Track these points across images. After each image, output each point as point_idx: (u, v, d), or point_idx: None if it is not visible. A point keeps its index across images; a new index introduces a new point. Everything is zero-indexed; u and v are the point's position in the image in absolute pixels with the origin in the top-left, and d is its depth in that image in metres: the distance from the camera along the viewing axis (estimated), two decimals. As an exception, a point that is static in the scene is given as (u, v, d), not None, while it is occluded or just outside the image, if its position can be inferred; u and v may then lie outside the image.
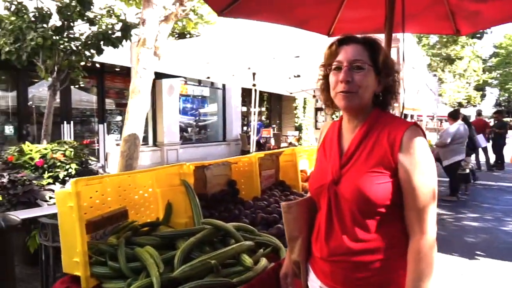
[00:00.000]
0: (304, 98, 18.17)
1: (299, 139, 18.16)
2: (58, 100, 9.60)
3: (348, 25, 3.36)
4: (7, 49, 5.49)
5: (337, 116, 1.68)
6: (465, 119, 9.29)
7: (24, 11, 5.49)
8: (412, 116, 19.00)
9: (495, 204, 7.88)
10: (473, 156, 10.61)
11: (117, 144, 8.16)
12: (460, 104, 32.36)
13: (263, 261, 1.88)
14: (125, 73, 10.82)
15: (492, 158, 13.12)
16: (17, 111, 9.18)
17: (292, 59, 5.44)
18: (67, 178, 4.21)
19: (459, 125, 8.08)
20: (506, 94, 44.14)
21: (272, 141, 16.49)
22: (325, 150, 1.53)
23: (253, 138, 8.19)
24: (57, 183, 4.06)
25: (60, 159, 4.34)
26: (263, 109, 19.74)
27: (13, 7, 5.51)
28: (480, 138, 10.34)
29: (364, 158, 1.36)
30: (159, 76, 10.97)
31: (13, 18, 5.45)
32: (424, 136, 1.34)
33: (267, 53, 5.56)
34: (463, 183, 8.74)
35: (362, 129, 1.41)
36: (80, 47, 5.75)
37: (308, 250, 1.54)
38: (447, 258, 4.80)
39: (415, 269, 1.27)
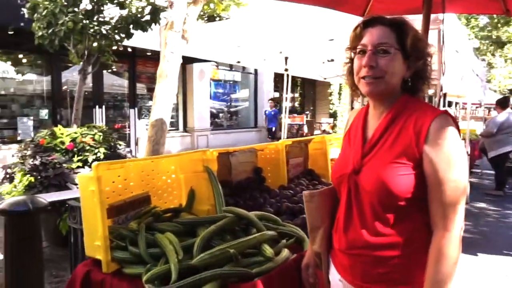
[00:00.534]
0: (340, 84, 17.89)
1: (333, 127, 17.96)
2: (90, 84, 9.89)
3: (383, 5, 3.27)
4: (40, 33, 5.66)
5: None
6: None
7: (57, -5, 5.64)
8: (456, 104, 18.39)
9: (545, 200, 7.55)
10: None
11: (148, 129, 8.31)
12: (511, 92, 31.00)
13: (285, 252, 1.88)
14: (156, 57, 10.90)
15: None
16: (51, 95, 9.54)
17: (325, 42, 5.35)
18: (96, 162, 4.33)
19: (508, 113, 7.75)
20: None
21: (305, 128, 16.38)
22: (349, 138, 1.50)
23: (284, 123, 8.15)
24: (86, 167, 4.20)
25: (89, 143, 4.47)
26: (296, 95, 19.60)
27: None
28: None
29: (387, 147, 1.32)
30: (189, 60, 11.07)
31: (46, 3, 5.61)
32: (456, 125, 1.28)
33: (300, 37, 5.48)
34: (511, 177, 8.40)
35: (388, 116, 1.36)
36: (109, 31, 5.86)
37: (330, 241, 1.53)
38: (490, 258, 4.61)
39: (435, 269, 1.22)
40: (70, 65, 9.35)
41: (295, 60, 7.43)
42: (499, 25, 29.73)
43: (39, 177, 3.87)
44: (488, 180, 8.44)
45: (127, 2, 6.12)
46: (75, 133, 4.56)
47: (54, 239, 4.18)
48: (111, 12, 6.18)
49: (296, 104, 19.65)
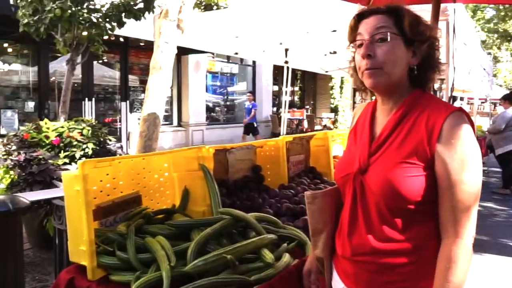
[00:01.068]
0: (342, 77, 17.88)
1: (334, 122, 17.97)
2: (79, 75, 9.79)
3: (390, -5, 3.19)
4: (25, 21, 5.56)
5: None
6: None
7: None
8: (462, 99, 18.39)
9: (554, 199, 7.53)
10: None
11: (140, 124, 8.25)
12: (517, 86, 31.07)
13: (286, 257, 1.82)
14: (150, 48, 10.78)
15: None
16: (38, 87, 9.42)
17: (328, 33, 5.32)
18: (83, 158, 4.27)
19: (516, 109, 7.76)
20: None
21: (306, 123, 16.35)
22: (356, 135, 1.45)
23: (283, 118, 8.10)
24: (73, 163, 4.13)
25: (77, 138, 4.40)
26: (296, 88, 19.58)
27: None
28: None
29: (397, 145, 1.27)
30: (185, 51, 10.99)
31: (32, -12, 5.50)
32: (471, 124, 1.23)
33: (301, 27, 5.44)
34: (518, 175, 8.39)
35: (398, 112, 1.31)
36: (100, 19, 5.76)
37: (333, 246, 1.48)
38: (498, 259, 4.60)
39: (444, 278, 1.17)
40: (59, 55, 9.25)
41: (296, 52, 7.40)
42: (506, 18, 29.72)
43: (23, 174, 3.80)
44: (495, 178, 8.43)
45: (118, -12, 6.02)
46: (62, 127, 4.48)
47: (38, 240, 4.11)
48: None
49: (296, 98, 19.61)
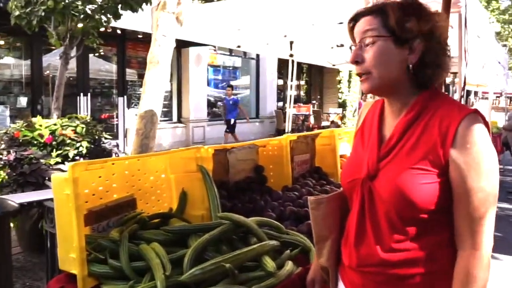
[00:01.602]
0: (350, 71, 17.80)
1: (342, 118, 17.91)
2: (74, 69, 9.78)
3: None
4: (17, 13, 5.55)
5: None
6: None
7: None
8: (476, 94, 18.30)
9: None
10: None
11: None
12: (535, 80, 30.86)
13: (288, 265, 1.80)
14: (148, 40, 10.77)
15: None
16: (30, 82, 9.41)
17: (334, 25, 5.27)
18: (77, 158, 4.26)
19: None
20: None
21: (312, 119, 16.32)
22: (363, 137, 1.42)
23: (289, 113, 8.07)
24: (66, 163, 4.11)
25: (70, 136, 4.39)
26: (302, 82, 19.53)
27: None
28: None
29: (408, 150, 1.24)
30: (185, 44, 10.97)
31: (24, -21, 5.49)
32: (487, 127, 1.20)
33: (306, 19, 5.40)
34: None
35: (409, 114, 1.27)
36: (95, 11, 5.74)
37: (339, 255, 1.46)
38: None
39: None
40: (53, 47, 9.22)
41: (301, 45, 7.37)
42: (523, 8, 29.53)
43: (13, 174, 3.79)
44: (511, 177, 8.36)
45: (114, -21, 5.99)
46: (55, 124, 4.47)
47: (29, 244, 4.10)
48: (97, -10, 6.06)
49: (302, 92, 19.57)
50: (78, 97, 9.65)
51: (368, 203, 1.30)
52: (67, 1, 5.34)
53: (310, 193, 2.74)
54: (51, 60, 9.60)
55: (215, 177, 2.33)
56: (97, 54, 10.68)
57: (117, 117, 10.91)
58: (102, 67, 11.11)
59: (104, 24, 5.92)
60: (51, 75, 9.73)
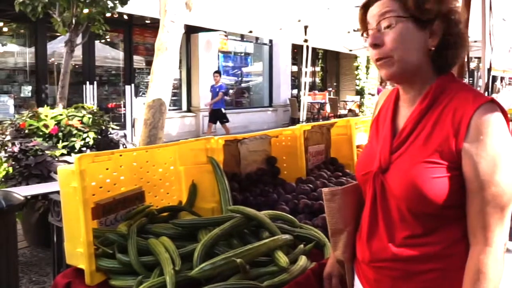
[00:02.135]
0: (367, 56, 17.64)
1: (360, 106, 17.82)
2: (80, 57, 9.85)
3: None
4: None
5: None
6: None
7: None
8: (502, 79, 18.06)
9: None
10: None
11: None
12: None
13: (302, 260, 1.81)
14: (156, 26, 10.83)
15: None
16: (35, 70, 9.50)
17: (351, 9, 5.23)
18: (84, 149, 4.30)
19: None
20: None
21: (328, 108, 16.26)
22: (378, 127, 1.42)
23: (303, 101, 8.05)
24: (72, 154, 4.16)
25: (77, 126, 4.43)
26: (318, 69, 19.44)
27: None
28: None
29: (421, 142, 1.24)
30: (194, 29, 10.99)
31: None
32: (505, 116, 1.18)
33: (321, 3, 5.38)
34: None
35: (423, 103, 1.27)
36: (101, -4, 5.78)
37: (355, 248, 1.48)
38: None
39: None
40: (58, 34, 9.30)
41: (316, 30, 7.35)
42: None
43: (18, 166, 3.84)
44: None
45: (121, -38, 6.02)
46: (60, 114, 4.52)
47: (35, 238, 4.17)
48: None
49: (318, 79, 19.49)
50: (84, 86, 9.72)
51: (380, 197, 1.31)
52: (72, -14, 5.38)
53: (325, 185, 2.74)
54: (56, 47, 9.68)
55: (226, 169, 2.34)
56: (103, 41, 10.76)
57: (124, 106, 10.98)
58: (108, 55, 11.18)
59: (111, 9, 5.94)
60: (56, 63, 9.82)
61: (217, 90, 11.85)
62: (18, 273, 2.42)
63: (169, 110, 4.76)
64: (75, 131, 4.42)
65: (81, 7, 5.69)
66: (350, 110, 16.57)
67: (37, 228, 3.89)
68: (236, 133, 3.27)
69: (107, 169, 1.88)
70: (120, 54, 11.41)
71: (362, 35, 1.35)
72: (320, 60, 19.40)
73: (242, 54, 16.07)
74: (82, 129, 4.48)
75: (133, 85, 11.13)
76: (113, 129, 4.91)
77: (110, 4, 5.96)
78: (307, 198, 2.52)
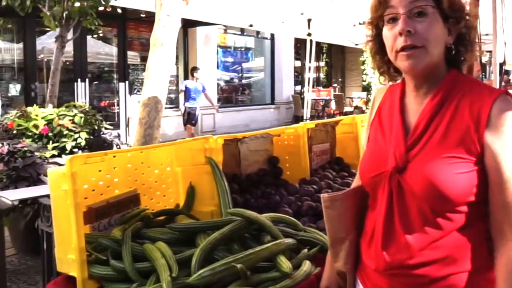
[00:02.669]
0: (375, 51, 17.65)
1: (367, 102, 17.79)
2: (71, 53, 9.87)
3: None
4: (9, -7, 5.62)
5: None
6: None
7: None
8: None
9: None
10: None
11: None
12: None
13: (306, 265, 1.81)
14: (151, 20, 10.84)
15: None
16: (24, 67, 9.51)
17: (356, 1, 5.25)
18: (75, 150, 4.31)
19: None
20: None
21: (333, 105, 16.26)
22: (382, 126, 1.42)
23: (307, 98, 8.06)
24: (63, 156, 4.17)
25: (68, 126, 4.44)
26: (322, 64, 19.44)
27: None
28: None
29: (439, 137, 1.25)
30: (192, 23, 10.99)
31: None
32: None
33: (325, -7, 5.38)
34: None
35: (436, 98, 1.29)
36: (93, -11, 5.79)
37: (357, 257, 1.46)
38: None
39: None
40: (48, 30, 9.34)
41: (320, 23, 7.36)
42: None
43: (6, 168, 3.84)
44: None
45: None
46: (51, 114, 4.53)
47: (24, 245, 4.17)
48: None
49: (322, 75, 19.49)
50: (75, 83, 9.74)
51: (397, 198, 1.30)
52: (62, -21, 5.40)
53: (330, 186, 2.75)
54: (46, 43, 9.69)
55: (226, 170, 2.35)
56: (95, 36, 10.77)
57: (118, 104, 11.00)
58: (101, 50, 11.19)
59: (103, 3, 5.94)
60: (45, 60, 9.83)
61: (192, 90, 10.88)
62: (6, 282, 2.41)
63: (165, 108, 4.77)
64: (66, 131, 4.44)
65: (72, 1, 5.71)
66: (356, 107, 16.57)
67: (25, 235, 3.89)
68: (236, 132, 3.27)
69: (100, 171, 1.89)
70: (113, 50, 11.42)
71: (375, 22, 1.34)
72: (325, 55, 19.40)
73: (243, 49, 16.09)
74: (74, 129, 4.49)
75: (127, 82, 11.15)
76: (106, 128, 4.93)
77: (103, -3, 5.98)
78: (311, 200, 2.53)
